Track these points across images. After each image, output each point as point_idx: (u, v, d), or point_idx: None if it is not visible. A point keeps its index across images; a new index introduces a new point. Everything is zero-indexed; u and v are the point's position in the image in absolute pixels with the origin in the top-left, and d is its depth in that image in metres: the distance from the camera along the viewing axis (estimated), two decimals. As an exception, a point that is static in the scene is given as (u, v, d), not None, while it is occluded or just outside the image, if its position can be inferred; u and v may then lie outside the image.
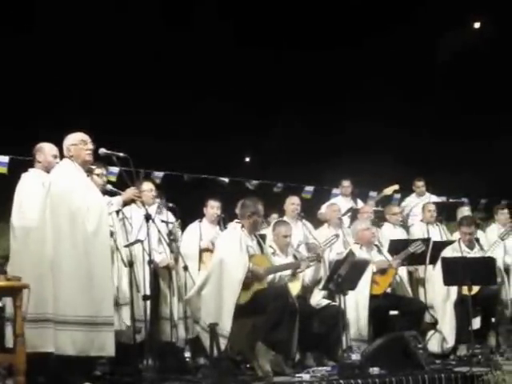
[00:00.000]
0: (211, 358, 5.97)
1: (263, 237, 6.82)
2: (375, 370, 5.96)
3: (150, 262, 5.68)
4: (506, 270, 8.07)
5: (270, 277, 6.37)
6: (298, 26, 13.07)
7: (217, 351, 5.86)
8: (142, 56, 12.22)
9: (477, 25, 14.10)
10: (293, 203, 8.16)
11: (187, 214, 7.68)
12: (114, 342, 5.32)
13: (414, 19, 13.15)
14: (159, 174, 10.56)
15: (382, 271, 7.15)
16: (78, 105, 11.57)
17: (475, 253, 7.43)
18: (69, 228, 5.30)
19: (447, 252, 7.42)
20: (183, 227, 7.49)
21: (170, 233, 6.61)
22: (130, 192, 5.77)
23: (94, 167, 5.83)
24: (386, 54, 13.24)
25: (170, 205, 6.86)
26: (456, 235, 7.86)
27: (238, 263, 6.17)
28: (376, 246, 7.46)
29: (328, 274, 6.45)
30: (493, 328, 7.30)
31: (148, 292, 5.83)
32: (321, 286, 6.61)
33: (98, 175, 6.01)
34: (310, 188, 11.88)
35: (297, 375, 5.95)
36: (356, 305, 6.84)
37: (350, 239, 7.79)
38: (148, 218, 5.59)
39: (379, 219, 8.62)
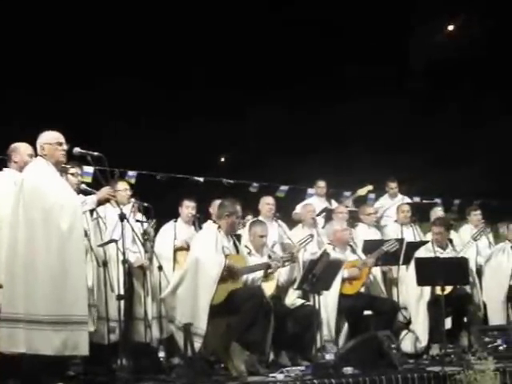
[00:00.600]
0: (185, 357, 5.97)
1: (238, 237, 6.83)
2: (349, 370, 5.99)
3: (124, 261, 5.66)
4: (478, 271, 8.16)
5: (245, 277, 6.38)
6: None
7: (191, 351, 5.86)
8: (115, 53, 12.14)
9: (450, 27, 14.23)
10: (268, 203, 8.19)
11: (162, 213, 7.65)
12: (87, 342, 5.29)
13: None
14: (134, 174, 10.51)
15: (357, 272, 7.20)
16: (51, 104, 11.46)
17: (448, 253, 7.49)
18: (42, 226, 5.25)
19: (420, 252, 7.48)
20: (158, 227, 7.47)
21: (145, 232, 6.59)
22: (105, 191, 5.74)
23: (68, 166, 5.79)
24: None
25: (145, 204, 6.84)
26: (429, 236, 7.93)
27: (214, 263, 6.17)
28: (350, 246, 7.50)
29: (302, 273, 6.47)
30: (465, 328, 7.37)
31: (122, 292, 5.81)
32: (295, 285, 6.63)
33: (72, 174, 5.96)
34: (284, 188, 11.91)
35: (271, 375, 5.95)
36: (326, 305, 6.87)
37: (325, 239, 7.83)
38: (122, 217, 5.57)
39: (353, 219, 8.67)
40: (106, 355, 5.88)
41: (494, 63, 13.19)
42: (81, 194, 5.90)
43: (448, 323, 7.15)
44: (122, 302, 5.71)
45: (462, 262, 6.96)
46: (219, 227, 6.45)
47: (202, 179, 10.96)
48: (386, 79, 13.22)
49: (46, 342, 5.14)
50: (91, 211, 5.85)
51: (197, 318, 6.07)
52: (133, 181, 9.91)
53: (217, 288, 6.10)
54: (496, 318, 7.55)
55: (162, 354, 6.90)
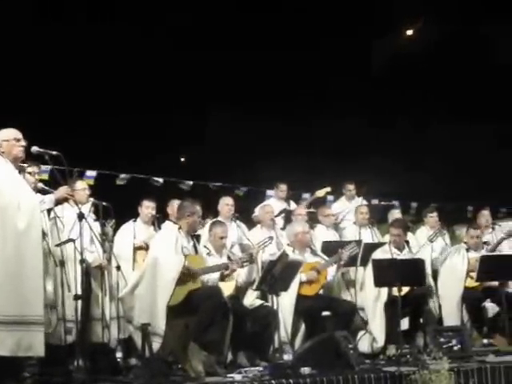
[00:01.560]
0: (143, 358, 5.94)
1: (198, 237, 6.83)
2: (306, 370, 6.01)
3: (82, 261, 5.61)
4: (434, 272, 8.28)
5: (204, 277, 6.38)
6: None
7: (149, 351, 5.84)
8: (80, 55, 12.06)
9: (409, 32, 14.44)
10: (227, 204, 8.19)
11: (121, 213, 7.61)
12: (43, 343, 5.23)
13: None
14: (93, 173, 10.41)
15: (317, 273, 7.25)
16: (10, 102, 11.30)
17: (405, 255, 7.58)
18: (-3, 224, 5.18)
19: (378, 254, 7.56)
20: (117, 227, 7.43)
21: (103, 232, 6.55)
22: (63, 190, 5.68)
23: (25, 165, 5.72)
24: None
25: (104, 204, 6.79)
26: (387, 237, 8.02)
27: (173, 263, 6.17)
28: (310, 248, 7.54)
29: (261, 274, 6.49)
30: (421, 328, 7.47)
31: (79, 292, 5.76)
32: (254, 286, 6.66)
33: (30, 173, 5.89)
34: (244, 189, 11.92)
35: (229, 375, 5.95)
36: (283, 306, 6.90)
37: (284, 240, 7.86)
38: (81, 217, 5.52)
39: (312, 221, 8.71)
40: (63, 356, 5.81)
41: (444, 72, 13.46)
42: (38, 194, 5.83)
43: (404, 324, 7.24)
44: (80, 302, 5.68)
45: (418, 264, 7.06)
46: (179, 228, 6.44)
47: (161, 180, 10.90)
48: (347, 86, 13.38)
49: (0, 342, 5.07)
50: (49, 211, 5.79)
51: (155, 318, 6.06)
52: (91, 181, 9.80)
53: (175, 288, 6.10)
54: (451, 318, 7.66)
55: (119, 355, 6.85)
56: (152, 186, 10.79)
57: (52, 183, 6.08)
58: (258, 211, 9.05)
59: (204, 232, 7.27)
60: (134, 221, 7.72)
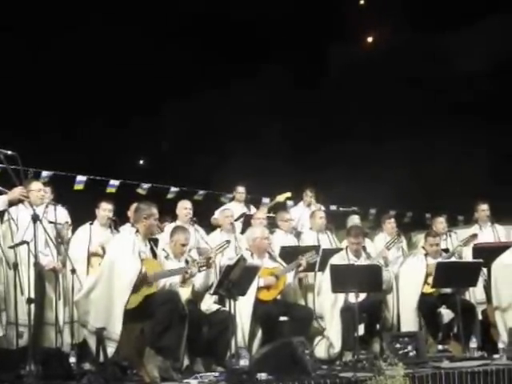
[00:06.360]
0: (97, 363, 5.85)
1: (156, 241, 6.75)
2: (263, 376, 6.00)
3: (36, 264, 5.50)
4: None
5: (161, 282, 6.31)
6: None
7: (103, 356, 5.75)
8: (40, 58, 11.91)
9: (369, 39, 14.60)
10: (185, 207, 8.15)
11: (77, 215, 7.51)
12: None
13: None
14: (49, 174, 10.25)
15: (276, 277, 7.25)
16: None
17: (362, 261, 7.61)
18: None
19: (335, 260, 7.58)
20: (73, 229, 7.32)
21: (58, 235, 6.44)
22: (17, 191, 5.58)
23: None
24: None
25: (59, 206, 6.69)
26: (345, 243, 8.05)
27: (130, 267, 6.09)
28: (269, 253, 7.53)
29: (219, 278, 6.45)
30: (377, 334, 7.50)
31: (32, 295, 5.64)
32: (211, 290, 6.61)
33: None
34: (203, 192, 11.88)
35: (185, 381, 5.92)
36: (241, 311, 6.87)
37: (242, 245, 7.83)
38: (35, 218, 5.42)
39: (271, 226, 8.70)
40: (14, 361, 5.71)
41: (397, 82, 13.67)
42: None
43: (361, 330, 7.27)
44: (32, 306, 5.56)
45: (375, 270, 7.10)
46: (137, 231, 6.37)
47: (117, 182, 10.79)
48: (303, 95, 13.47)
49: None
50: (2, 212, 5.68)
51: (111, 322, 5.97)
52: (46, 181, 9.65)
53: (132, 292, 6.02)
54: (408, 324, 7.70)
55: (73, 360, 6.73)
56: (109, 188, 10.66)
57: (6, 184, 5.96)
58: (217, 215, 9.02)
59: (163, 236, 7.20)
60: (91, 223, 7.61)
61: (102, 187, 10.66)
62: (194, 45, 12.98)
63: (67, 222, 6.83)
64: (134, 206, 7.60)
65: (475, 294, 8.13)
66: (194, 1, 12.85)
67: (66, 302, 6.47)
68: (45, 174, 10.15)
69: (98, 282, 6.21)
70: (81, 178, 10.59)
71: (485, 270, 7.87)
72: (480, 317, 7.95)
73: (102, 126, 12.81)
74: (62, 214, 7.05)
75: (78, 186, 10.48)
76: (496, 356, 7.14)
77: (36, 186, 6.84)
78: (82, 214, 7.74)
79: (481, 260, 7.57)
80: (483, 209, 9.06)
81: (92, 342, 6.07)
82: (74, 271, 6.35)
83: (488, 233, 8.93)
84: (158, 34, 12.79)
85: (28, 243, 5.70)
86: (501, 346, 7.16)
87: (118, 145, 12.88)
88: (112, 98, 12.66)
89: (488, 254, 7.85)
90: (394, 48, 13.76)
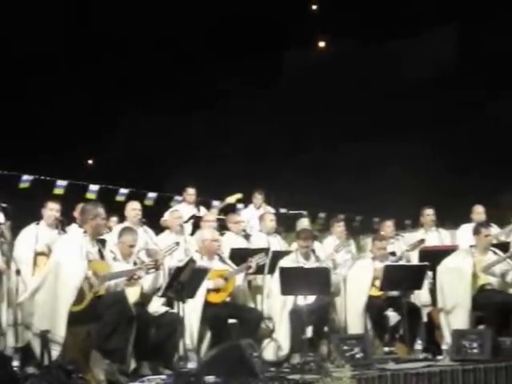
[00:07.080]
0: (42, 366, 5.74)
1: (103, 242, 6.66)
2: (211, 378, 5.98)
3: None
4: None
5: (108, 283, 6.23)
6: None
7: (48, 359, 5.65)
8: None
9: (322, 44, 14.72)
10: (134, 208, 8.08)
11: (23, 215, 7.36)
12: None
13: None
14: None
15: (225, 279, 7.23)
16: None
17: (311, 264, 7.65)
18: None
19: (285, 262, 7.60)
20: (18, 229, 7.18)
21: (1, 234, 6.30)
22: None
23: None
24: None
25: (3, 205, 6.55)
26: (294, 246, 8.07)
27: (76, 268, 5.99)
28: (219, 255, 7.50)
29: (168, 280, 6.40)
30: (325, 336, 7.54)
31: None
32: (160, 292, 6.55)
33: None
34: (153, 194, 11.78)
35: (131, 384, 5.85)
36: (189, 313, 6.84)
37: (191, 246, 7.79)
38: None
39: (221, 228, 8.69)
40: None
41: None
42: None
43: (309, 332, 7.30)
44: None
45: (324, 273, 7.14)
46: (85, 232, 6.28)
47: (65, 182, 10.62)
48: (260, 97, 13.50)
49: None
50: None
51: (55, 324, 5.88)
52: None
53: (78, 294, 5.92)
54: (355, 327, 7.76)
55: (16, 363, 6.60)
56: (56, 188, 10.47)
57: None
58: (166, 216, 8.96)
59: (111, 236, 7.11)
60: (37, 224, 7.47)
61: (49, 187, 10.48)
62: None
63: (8, 221, 6.68)
64: (80, 206, 7.50)
65: (420, 296, 8.24)
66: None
67: (10, 303, 6.32)
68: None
69: (43, 283, 6.09)
70: (27, 177, 10.39)
71: (430, 272, 7.99)
72: (425, 319, 8.07)
73: (52, 125, 12.63)
74: (4, 213, 6.91)
75: (24, 185, 10.28)
76: (440, 357, 7.29)
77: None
78: (26, 214, 7.60)
79: (427, 263, 7.69)
80: (428, 213, 9.23)
81: (36, 345, 5.96)
82: (18, 272, 6.22)
83: (433, 236, 9.08)
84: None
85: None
86: (444, 347, 7.30)
87: (66, 144, 12.72)
88: (64, 97, 12.51)
89: (433, 257, 7.99)
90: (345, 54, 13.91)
